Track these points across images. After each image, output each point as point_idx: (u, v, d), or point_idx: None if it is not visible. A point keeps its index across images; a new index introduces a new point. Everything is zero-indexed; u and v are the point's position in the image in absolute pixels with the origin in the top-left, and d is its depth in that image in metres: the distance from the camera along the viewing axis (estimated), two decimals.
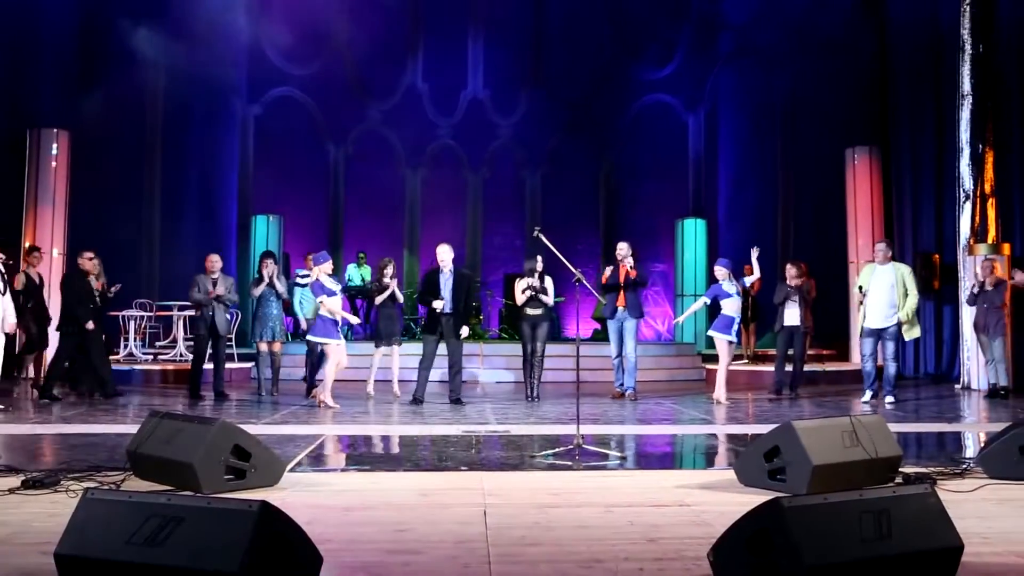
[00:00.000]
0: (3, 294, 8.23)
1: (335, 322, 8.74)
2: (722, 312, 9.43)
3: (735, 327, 9.39)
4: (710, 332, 9.61)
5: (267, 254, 10.07)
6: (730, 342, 9.41)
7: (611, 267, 9.60)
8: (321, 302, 8.67)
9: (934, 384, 12.30)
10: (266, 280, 9.56)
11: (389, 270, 9.99)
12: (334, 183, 16.98)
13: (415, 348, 10.67)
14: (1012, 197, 11.98)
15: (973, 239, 11.65)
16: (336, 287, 8.91)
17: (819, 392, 10.62)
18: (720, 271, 9.58)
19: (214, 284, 9.30)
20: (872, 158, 13.85)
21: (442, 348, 9.10)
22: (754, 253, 9.76)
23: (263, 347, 9.76)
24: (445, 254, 9.02)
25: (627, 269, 9.42)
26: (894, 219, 13.85)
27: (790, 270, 9.97)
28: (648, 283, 10.70)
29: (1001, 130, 11.82)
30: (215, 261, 9.42)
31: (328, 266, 8.82)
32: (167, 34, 13.77)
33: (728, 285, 9.45)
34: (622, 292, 9.41)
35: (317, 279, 8.75)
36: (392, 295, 9.89)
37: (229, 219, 15.71)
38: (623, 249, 9.57)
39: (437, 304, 8.79)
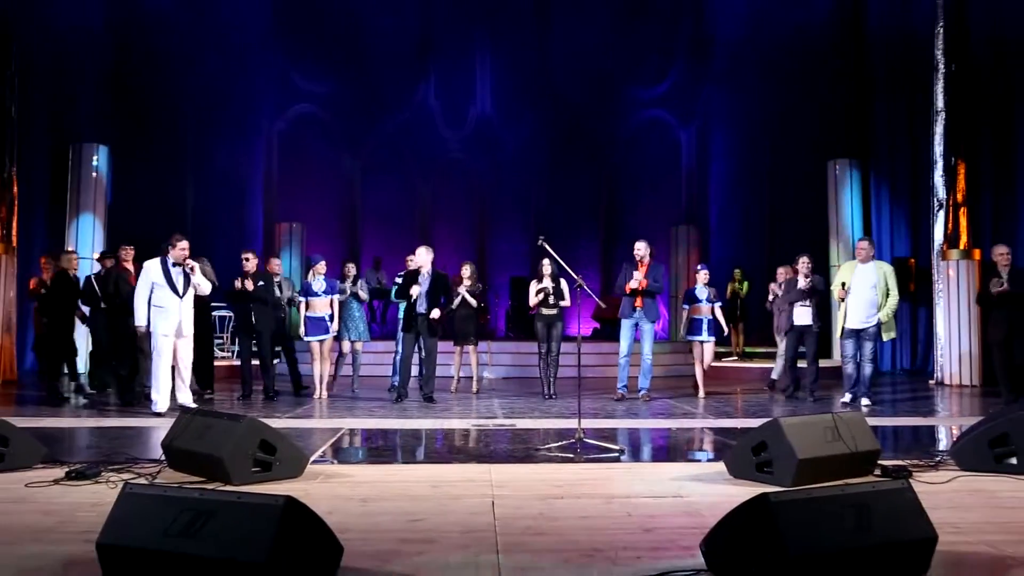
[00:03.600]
0: (181, 297, 7.60)
1: (321, 320, 9.06)
2: (692, 316, 9.50)
3: (704, 328, 9.45)
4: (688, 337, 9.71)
5: (346, 261, 10.24)
6: (701, 342, 9.48)
7: (629, 268, 9.05)
8: (301, 301, 9.09)
9: (909, 380, 12.28)
10: (349, 287, 9.62)
11: (466, 271, 9.81)
12: (351, 193, 17.02)
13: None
14: (982, 206, 11.98)
15: (946, 245, 11.66)
16: (320, 287, 9.06)
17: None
18: (701, 275, 9.67)
19: (278, 287, 9.34)
20: (852, 170, 13.83)
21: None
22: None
23: (346, 346, 9.76)
24: (423, 256, 8.70)
25: (644, 281, 8.91)
26: (872, 226, 13.83)
27: (805, 263, 9.10)
28: (664, 290, 10.23)
29: (972, 143, 11.83)
30: (247, 258, 9.12)
31: (321, 267, 9.17)
32: (198, 56, 13.87)
33: (701, 290, 9.52)
34: (639, 295, 8.99)
35: (307, 280, 9.16)
36: (465, 298, 9.70)
37: (255, 226, 15.74)
38: (641, 248, 9.05)
39: (414, 290, 8.52)
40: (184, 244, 7.66)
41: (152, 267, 7.56)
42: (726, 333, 9.78)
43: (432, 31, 16.71)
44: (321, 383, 9.12)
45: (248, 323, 8.97)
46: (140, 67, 13.40)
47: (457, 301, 9.69)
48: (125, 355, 8.51)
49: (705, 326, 9.47)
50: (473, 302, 9.77)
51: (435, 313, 8.61)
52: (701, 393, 9.45)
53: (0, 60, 11.18)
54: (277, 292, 9.27)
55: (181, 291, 7.59)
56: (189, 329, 7.70)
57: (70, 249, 11.09)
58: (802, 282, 9.07)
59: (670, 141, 17.18)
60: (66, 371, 9.37)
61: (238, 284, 8.85)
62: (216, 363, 9.97)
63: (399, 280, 9.25)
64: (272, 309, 9.10)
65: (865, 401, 8.49)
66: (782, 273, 10.14)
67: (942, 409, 8.74)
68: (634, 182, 17.01)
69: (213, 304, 9.72)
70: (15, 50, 11.36)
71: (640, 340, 9.14)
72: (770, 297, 10.15)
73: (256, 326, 8.94)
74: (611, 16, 16.28)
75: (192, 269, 7.69)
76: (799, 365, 9.37)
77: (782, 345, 9.92)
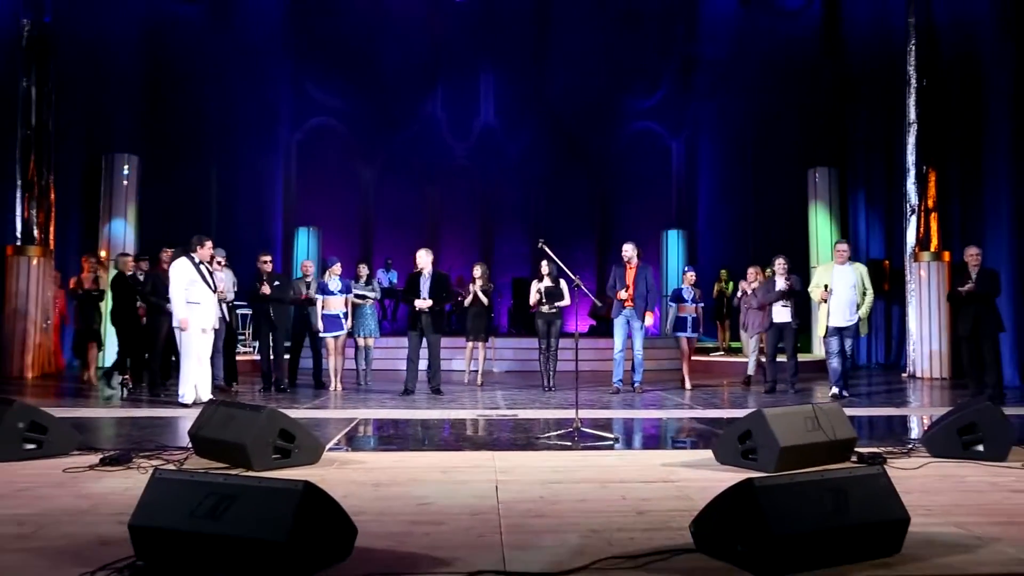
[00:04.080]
0: (214, 291, 7.64)
1: (336, 317, 9.06)
2: (678, 314, 9.57)
3: (689, 325, 9.62)
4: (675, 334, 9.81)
5: (359, 262, 10.28)
6: (688, 339, 9.62)
7: (618, 271, 8.96)
8: (319, 299, 9.04)
9: (884, 373, 12.26)
10: (366, 289, 9.63)
11: (478, 271, 9.88)
12: (365, 199, 17.03)
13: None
14: (952, 211, 11.96)
15: (918, 248, 11.65)
16: (336, 287, 9.07)
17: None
18: (688, 276, 9.86)
19: (307, 286, 9.34)
20: (831, 177, 13.81)
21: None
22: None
23: (360, 342, 9.74)
24: (424, 258, 8.61)
25: (629, 297, 8.81)
26: (849, 230, 13.82)
27: (781, 264, 8.96)
28: (657, 297, 10.15)
29: (942, 153, 11.82)
30: (265, 261, 9.10)
31: (337, 268, 9.17)
32: (222, 72, 13.88)
33: (687, 290, 9.67)
34: (629, 298, 8.88)
35: (323, 280, 9.14)
36: (478, 296, 9.81)
37: (275, 230, 15.75)
38: (628, 251, 8.98)
39: (419, 303, 8.46)
40: (210, 244, 7.79)
41: (185, 266, 7.54)
42: (701, 333, 10.05)
43: (439, 49, 16.71)
44: (336, 376, 9.11)
45: (267, 321, 8.94)
46: (168, 83, 13.43)
47: (470, 299, 9.82)
48: (156, 350, 8.52)
49: (690, 323, 9.61)
50: (485, 300, 9.86)
51: (424, 303, 8.46)
52: (688, 385, 9.44)
53: (39, 77, 11.22)
54: (304, 290, 9.27)
55: (213, 285, 7.70)
56: (217, 323, 7.85)
57: (127, 252, 11.01)
58: (780, 283, 8.98)
59: (661, 150, 17.18)
60: (115, 363, 9.45)
61: (263, 290, 8.77)
62: (238, 358, 9.96)
63: None
64: (289, 308, 9.08)
65: (844, 393, 8.46)
66: (752, 273, 10.17)
67: (914, 400, 8.73)
68: (627, 189, 17.01)
69: (234, 303, 9.72)
70: (52, 68, 11.38)
71: (632, 337, 9.10)
72: (739, 294, 10.17)
73: (273, 324, 8.93)
74: (605, 35, 16.28)
75: (219, 264, 7.91)
76: (778, 360, 9.31)
77: (751, 342, 9.98)
